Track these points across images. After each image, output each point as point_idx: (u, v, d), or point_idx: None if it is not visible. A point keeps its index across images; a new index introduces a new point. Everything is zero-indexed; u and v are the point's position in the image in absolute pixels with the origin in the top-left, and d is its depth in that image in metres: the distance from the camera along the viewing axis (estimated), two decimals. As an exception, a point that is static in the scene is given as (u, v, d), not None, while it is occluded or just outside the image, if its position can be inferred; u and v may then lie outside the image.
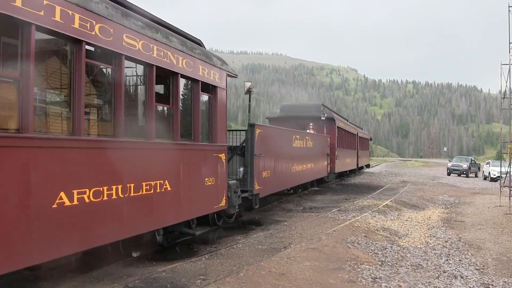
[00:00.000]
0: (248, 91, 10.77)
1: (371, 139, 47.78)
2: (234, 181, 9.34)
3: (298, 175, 14.62)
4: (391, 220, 11.39)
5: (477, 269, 7.36)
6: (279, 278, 6.06)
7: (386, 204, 13.93)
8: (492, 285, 6.51)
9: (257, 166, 10.42)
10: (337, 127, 21.57)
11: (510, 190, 14.05)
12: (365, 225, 10.10)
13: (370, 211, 12.22)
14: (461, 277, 6.79)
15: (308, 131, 17.46)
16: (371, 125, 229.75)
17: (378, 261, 7.48)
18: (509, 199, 13.94)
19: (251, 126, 10.33)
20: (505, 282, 6.64)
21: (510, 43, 14.01)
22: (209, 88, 8.02)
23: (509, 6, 14.13)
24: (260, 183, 10.63)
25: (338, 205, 14.16)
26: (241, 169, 10.30)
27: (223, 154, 8.35)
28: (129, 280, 5.88)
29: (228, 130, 9.76)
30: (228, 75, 8.82)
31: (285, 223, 10.72)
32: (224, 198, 8.44)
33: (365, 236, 9.06)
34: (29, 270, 5.00)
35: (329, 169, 19.59)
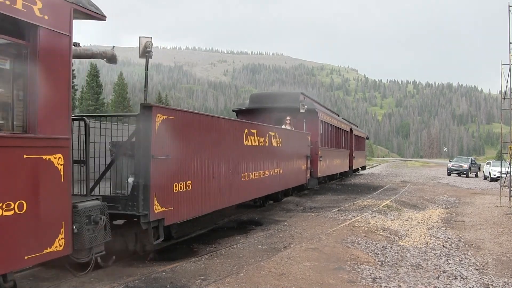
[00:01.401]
0: (145, 52, 6.64)
1: (367, 138, 43.00)
2: (96, 202, 5.35)
3: (255, 185, 10.38)
4: (391, 220, 11.39)
5: (477, 269, 7.36)
6: (279, 278, 6.06)
7: (386, 204, 13.93)
8: (492, 285, 6.51)
9: (159, 174, 6.37)
10: (321, 121, 17.63)
11: (510, 190, 14.05)
12: (365, 225, 10.10)
13: (370, 211, 12.22)
14: (461, 277, 6.79)
15: (284, 126, 14.36)
16: (372, 125, 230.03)
17: (378, 261, 7.48)
18: (509, 199, 13.94)
19: (146, 108, 6.27)
20: (505, 282, 6.64)
21: (510, 43, 14.01)
22: (18, 28, 4.29)
23: (509, 6, 14.13)
24: (168, 201, 6.61)
25: (338, 205, 14.16)
26: (130, 179, 6.27)
27: (59, 156, 4.63)
28: (129, 280, 5.89)
29: (109, 115, 7.23)
30: (78, 11, 4.91)
31: (285, 223, 10.73)
32: (61, 237, 4.67)
33: (365, 236, 9.06)
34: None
35: (308, 174, 15.74)
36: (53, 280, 5.79)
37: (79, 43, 7.96)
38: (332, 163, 20.33)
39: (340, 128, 22.98)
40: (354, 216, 11.34)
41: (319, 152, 16.84)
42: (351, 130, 27.66)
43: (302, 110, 15.00)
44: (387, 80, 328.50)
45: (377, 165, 56.59)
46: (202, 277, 6.11)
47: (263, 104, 16.78)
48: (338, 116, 27.21)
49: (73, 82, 49.81)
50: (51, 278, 5.87)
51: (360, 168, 35.75)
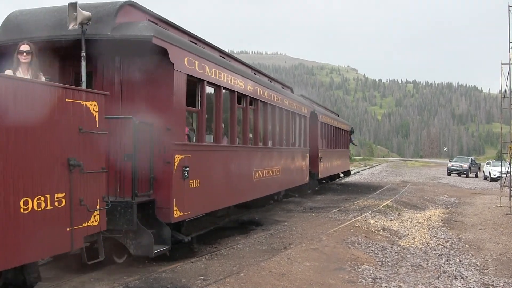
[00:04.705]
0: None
1: (352, 132, 29.07)
2: None
3: None
4: (392, 220, 11.39)
5: (477, 270, 7.36)
6: (280, 278, 6.06)
7: (387, 204, 13.93)
8: (493, 285, 6.51)
9: None
10: (187, 76, 6.95)
11: (510, 190, 14.04)
12: (365, 226, 10.10)
13: (370, 211, 12.22)
14: (461, 278, 6.79)
15: (11, 72, 4.90)
16: (371, 124, 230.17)
17: (379, 261, 7.48)
18: (510, 199, 13.93)
19: None
20: (505, 282, 6.64)
21: (510, 42, 14.02)
22: None
23: (509, 6, 14.14)
24: None
25: (339, 205, 14.16)
26: None
27: None
28: (129, 280, 5.88)
29: None
30: None
31: (286, 223, 10.72)
32: None
33: (366, 237, 9.06)
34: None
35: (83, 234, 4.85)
36: (53, 280, 5.78)
37: None
38: (241, 183, 9.55)
39: (282, 108, 12.52)
40: (354, 217, 11.34)
41: (179, 158, 6.74)
42: (313, 114, 16.71)
43: (71, 27, 5.80)
44: (387, 79, 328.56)
45: (376, 165, 56.60)
46: (202, 277, 6.10)
47: (32, 33, 6.21)
48: (292, 92, 15.98)
49: (72, 82, 49.87)
50: (51, 278, 5.86)
51: (341, 174, 25.53)
